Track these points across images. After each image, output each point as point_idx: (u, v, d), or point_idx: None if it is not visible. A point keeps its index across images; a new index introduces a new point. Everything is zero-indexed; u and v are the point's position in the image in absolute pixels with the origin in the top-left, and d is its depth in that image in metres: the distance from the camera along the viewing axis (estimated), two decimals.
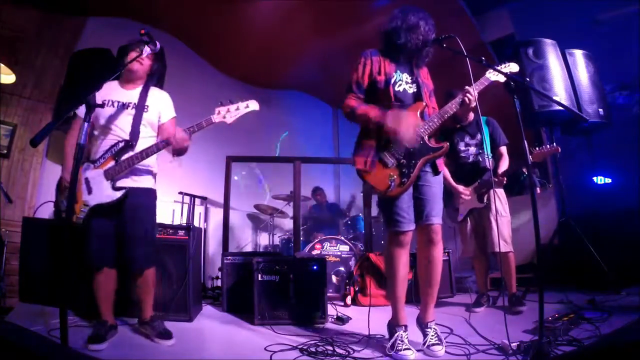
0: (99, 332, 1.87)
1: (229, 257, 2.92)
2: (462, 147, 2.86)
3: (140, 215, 2.00)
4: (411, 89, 1.91)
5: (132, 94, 2.07)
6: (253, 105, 1.97)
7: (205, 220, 4.44)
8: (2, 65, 2.88)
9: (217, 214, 4.49)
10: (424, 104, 1.88)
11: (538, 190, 4.18)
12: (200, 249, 2.87)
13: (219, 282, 3.44)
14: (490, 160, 2.80)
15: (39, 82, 3.41)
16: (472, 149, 2.84)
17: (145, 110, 2.06)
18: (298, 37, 4.30)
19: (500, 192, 2.78)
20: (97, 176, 1.93)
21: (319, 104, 6.39)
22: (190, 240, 2.54)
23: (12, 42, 3.28)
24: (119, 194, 1.92)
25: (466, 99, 1.85)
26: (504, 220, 2.74)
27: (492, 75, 1.94)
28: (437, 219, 1.85)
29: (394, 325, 1.85)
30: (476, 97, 1.86)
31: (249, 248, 5.09)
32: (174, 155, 2.03)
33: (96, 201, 1.90)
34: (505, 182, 2.65)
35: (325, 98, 6.35)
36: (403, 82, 1.91)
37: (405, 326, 1.83)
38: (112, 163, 1.94)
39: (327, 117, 6.56)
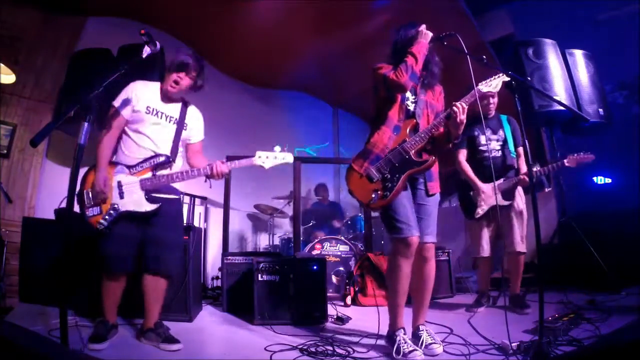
0: (99, 331, 1.88)
1: (229, 257, 2.92)
2: (482, 140, 2.78)
3: (174, 223, 2.07)
4: (411, 108, 1.93)
5: (174, 109, 2.10)
6: (289, 158, 1.99)
7: (205, 220, 4.43)
8: (2, 65, 2.88)
9: (217, 214, 4.48)
10: (415, 121, 1.89)
11: (546, 189, 4.19)
12: (200, 249, 2.87)
13: (219, 282, 3.43)
14: (514, 158, 2.76)
15: (39, 82, 3.40)
16: (494, 144, 2.77)
17: (184, 128, 2.11)
18: (298, 37, 4.29)
19: (520, 190, 2.75)
20: (132, 183, 1.92)
21: (319, 104, 6.37)
22: (190, 240, 2.54)
23: (12, 42, 3.27)
24: (154, 206, 1.93)
25: (452, 112, 1.81)
26: (525, 219, 2.69)
27: (484, 87, 1.89)
28: (431, 238, 1.89)
29: (393, 331, 1.86)
30: (466, 109, 1.80)
31: (249, 248, 5.09)
32: (206, 180, 2.03)
33: (128, 208, 1.89)
34: (527, 182, 2.59)
35: (326, 98, 6.33)
36: (407, 100, 1.93)
37: (404, 328, 1.84)
38: (149, 174, 1.95)
39: (327, 117, 6.54)
